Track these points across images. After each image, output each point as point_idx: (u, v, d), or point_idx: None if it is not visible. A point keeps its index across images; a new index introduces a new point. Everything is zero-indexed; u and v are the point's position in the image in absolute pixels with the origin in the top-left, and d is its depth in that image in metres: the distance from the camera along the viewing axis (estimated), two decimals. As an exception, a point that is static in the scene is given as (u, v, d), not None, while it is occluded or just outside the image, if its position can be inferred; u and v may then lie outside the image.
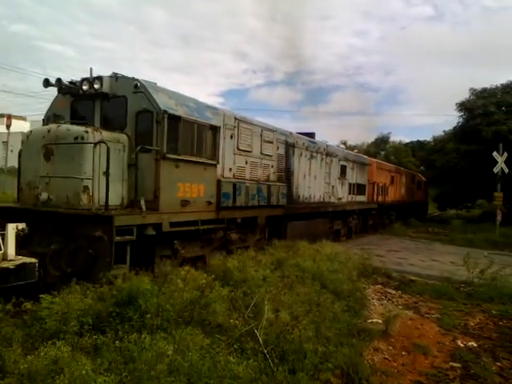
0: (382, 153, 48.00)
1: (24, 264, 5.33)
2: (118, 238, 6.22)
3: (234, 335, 4.65)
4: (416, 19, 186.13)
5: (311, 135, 15.83)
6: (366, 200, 20.36)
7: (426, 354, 5.67)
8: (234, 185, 9.49)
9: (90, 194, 6.48)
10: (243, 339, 4.61)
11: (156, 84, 7.94)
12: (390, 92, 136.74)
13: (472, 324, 7.15)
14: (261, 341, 4.43)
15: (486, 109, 26.17)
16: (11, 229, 5.49)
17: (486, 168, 22.08)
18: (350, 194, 18.26)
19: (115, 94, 7.63)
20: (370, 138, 54.28)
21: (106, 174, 6.41)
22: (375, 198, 21.54)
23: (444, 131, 38.64)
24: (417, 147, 49.91)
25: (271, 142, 11.71)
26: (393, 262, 12.92)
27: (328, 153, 15.95)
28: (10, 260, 5.29)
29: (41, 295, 4.94)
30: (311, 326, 5.21)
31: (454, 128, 30.92)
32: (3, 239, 5.42)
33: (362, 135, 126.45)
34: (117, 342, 4.10)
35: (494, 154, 20.25)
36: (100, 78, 7.52)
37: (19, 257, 5.49)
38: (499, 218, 20.53)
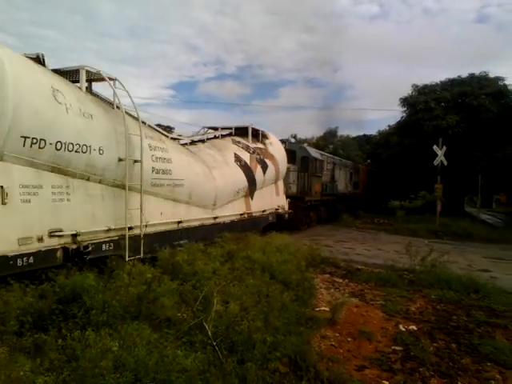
0: (331, 146, 48.85)
1: (291, 212, 15.71)
2: (305, 206, 19.35)
3: (182, 329, 4.61)
4: (362, 17, 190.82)
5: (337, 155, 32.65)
6: (359, 191, 32.65)
7: (371, 340, 5.88)
8: (326, 184, 22.82)
9: (292, 188, 18.42)
10: (192, 332, 4.58)
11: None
12: (338, 87, 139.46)
13: (413, 309, 7.50)
14: (209, 333, 4.42)
15: (427, 104, 27.19)
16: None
17: (427, 161, 22.98)
18: (353, 188, 30.97)
19: (290, 148, 18.40)
20: (319, 132, 55.17)
21: (294, 181, 18.96)
22: (363, 190, 33.80)
23: (388, 126, 39.92)
24: (363, 141, 51.30)
25: (329, 163, 24.64)
26: (340, 252, 13.31)
27: (345, 165, 29.31)
28: (287, 210, 15.53)
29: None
30: (260, 316, 5.26)
31: (398, 122, 31.93)
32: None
33: (311, 129, 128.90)
34: (59, 340, 3.94)
35: (434, 147, 21.24)
36: (285, 141, 18.25)
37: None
38: (439, 208, 21.66)
